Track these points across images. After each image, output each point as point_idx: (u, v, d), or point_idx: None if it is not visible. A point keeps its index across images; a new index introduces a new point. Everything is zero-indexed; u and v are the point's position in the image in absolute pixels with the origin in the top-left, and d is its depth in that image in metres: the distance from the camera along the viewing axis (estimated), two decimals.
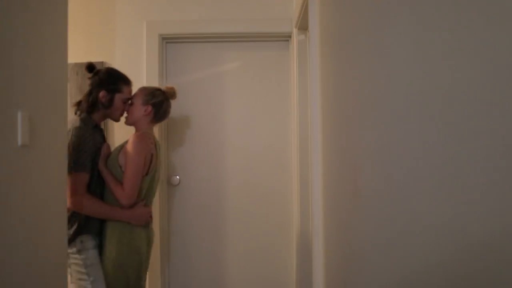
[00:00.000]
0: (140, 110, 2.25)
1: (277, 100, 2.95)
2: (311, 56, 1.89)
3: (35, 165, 1.42)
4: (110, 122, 2.82)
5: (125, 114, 2.29)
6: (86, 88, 2.78)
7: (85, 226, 2.09)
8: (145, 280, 2.26)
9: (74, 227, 2.07)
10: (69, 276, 2.07)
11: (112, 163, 2.15)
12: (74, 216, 2.08)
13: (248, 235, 2.93)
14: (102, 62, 2.79)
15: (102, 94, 2.17)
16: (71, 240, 2.06)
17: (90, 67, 2.24)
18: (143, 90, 2.30)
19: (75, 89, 2.78)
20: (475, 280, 0.61)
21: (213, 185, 2.92)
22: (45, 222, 1.49)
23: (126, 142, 2.20)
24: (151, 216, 2.25)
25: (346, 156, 1.33)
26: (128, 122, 2.28)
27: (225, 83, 2.95)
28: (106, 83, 2.19)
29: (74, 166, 2.01)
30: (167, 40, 2.90)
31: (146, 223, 2.20)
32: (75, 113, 2.21)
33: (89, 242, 2.10)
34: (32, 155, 1.40)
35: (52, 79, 1.56)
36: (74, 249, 2.08)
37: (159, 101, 2.29)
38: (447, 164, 0.68)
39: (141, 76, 2.81)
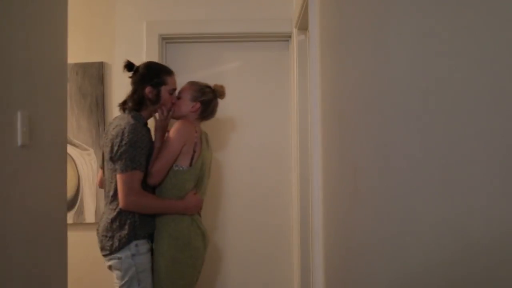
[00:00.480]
0: (188, 105, 2.21)
1: (277, 100, 2.95)
2: (311, 56, 1.89)
3: (35, 165, 1.42)
4: (104, 121, 2.83)
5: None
6: (87, 88, 2.80)
7: (140, 229, 2.01)
8: (197, 279, 2.19)
9: (126, 230, 1.99)
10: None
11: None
12: (125, 218, 2.00)
13: (247, 235, 2.93)
14: (102, 62, 2.79)
15: (148, 90, 2.10)
16: (125, 244, 1.98)
17: (129, 65, 2.18)
18: (193, 85, 2.25)
19: (75, 89, 2.78)
20: (475, 280, 0.61)
21: (212, 185, 2.92)
22: (45, 222, 1.49)
23: None
24: (200, 208, 2.19)
25: (346, 156, 1.33)
26: (174, 116, 2.23)
27: (225, 83, 2.95)
28: (150, 78, 2.11)
29: (130, 164, 1.94)
30: (167, 40, 2.90)
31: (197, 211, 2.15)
32: (124, 112, 2.15)
33: (144, 246, 2.02)
34: (31, 155, 1.40)
35: (52, 79, 1.56)
36: (127, 253, 1.99)
37: (208, 99, 2.25)
38: (447, 163, 0.68)
39: None
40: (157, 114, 2.21)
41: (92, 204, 2.78)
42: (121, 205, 1.96)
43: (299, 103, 2.58)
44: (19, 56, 1.35)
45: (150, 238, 2.07)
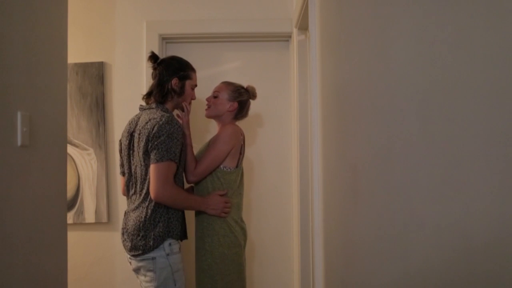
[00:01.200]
0: (225, 105, 2.24)
1: (277, 100, 2.94)
2: (311, 56, 1.89)
3: (35, 165, 1.42)
4: (104, 121, 2.82)
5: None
6: (87, 88, 2.80)
7: (174, 227, 1.99)
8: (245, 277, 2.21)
9: (161, 228, 1.95)
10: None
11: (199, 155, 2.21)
12: (159, 216, 1.97)
13: (248, 235, 2.92)
14: (102, 62, 2.79)
15: (174, 81, 2.09)
16: (160, 243, 1.94)
17: (154, 56, 2.15)
18: (229, 85, 2.29)
19: (75, 89, 2.78)
20: (475, 280, 0.61)
21: None
22: (44, 223, 1.49)
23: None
24: (229, 207, 2.18)
25: (346, 156, 1.33)
26: (210, 115, 2.27)
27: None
28: (177, 70, 2.12)
29: (166, 154, 1.90)
30: (167, 40, 2.90)
31: (225, 214, 2.14)
32: (147, 104, 2.14)
33: (176, 245, 1.99)
34: (31, 155, 1.40)
35: (52, 79, 1.56)
36: (161, 253, 1.94)
37: (244, 100, 2.29)
38: (447, 163, 0.68)
39: (141, 76, 2.81)
40: (179, 112, 2.24)
41: (92, 204, 2.77)
42: (153, 195, 1.93)
43: (299, 103, 2.58)
44: (19, 56, 1.34)
45: (181, 237, 2.06)
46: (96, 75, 2.78)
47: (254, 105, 2.97)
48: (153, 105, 2.08)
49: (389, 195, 0.94)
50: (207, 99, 2.28)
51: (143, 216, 1.97)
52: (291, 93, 2.90)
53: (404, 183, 0.86)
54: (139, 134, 2.00)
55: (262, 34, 2.85)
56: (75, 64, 2.77)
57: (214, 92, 2.29)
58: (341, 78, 1.39)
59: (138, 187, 2.04)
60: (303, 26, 2.48)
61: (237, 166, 2.19)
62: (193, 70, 2.18)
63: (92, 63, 2.78)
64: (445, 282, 0.70)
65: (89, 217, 2.77)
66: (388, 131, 0.95)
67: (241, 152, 2.22)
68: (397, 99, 0.89)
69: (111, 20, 2.84)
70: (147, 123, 1.97)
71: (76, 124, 2.78)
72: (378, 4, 1.02)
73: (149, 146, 1.94)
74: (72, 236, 2.70)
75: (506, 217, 0.53)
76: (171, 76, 2.10)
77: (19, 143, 1.32)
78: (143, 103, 2.18)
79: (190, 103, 2.20)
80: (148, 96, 2.14)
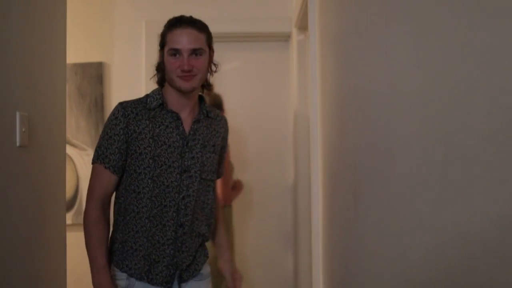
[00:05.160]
0: None
1: (276, 100, 2.94)
2: (311, 55, 1.89)
3: (34, 165, 1.42)
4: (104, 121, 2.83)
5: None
6: (86, 88, 2.80)
7: (126, 257, 1.41)
8: None
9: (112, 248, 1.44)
10: None
11: None
12: (113, 232, 1.46)
13: (247, 236, 2.92)
14: (101, 63, 2.78)
15: (159, 54, 1.47)
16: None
17: None
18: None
19: (74, 89, 2.78)
20: (475, 280, 0.61)
21: None
22: (44, 223, 1.49)
23: None
24: None
25: (346, 156, 1.33)
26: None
27: (225, 83, 2.95)
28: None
29: (95, 153, 1.41)
30: None
31: None
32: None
33: (122, 281, 1.44)
34: (30, 155, 1.39)
35: (51, 79, 1.55)
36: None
37: None
38: (447, 164, 0.68)
39: (140, 76, 2.80)
40: None
41: None
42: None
43: (299, 103, 2.58)
44: (18, 56, 1.34)
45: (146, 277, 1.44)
46: (95, 75, 2.78)
47: (254, 106, 2.97)
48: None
49: (389, 195, 0.93)
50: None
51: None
52: (290, 93, 2.90)
53: (404, 183, 0.85)
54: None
55: (261, 34, 2.85)
56: (74, 64, 2.76)
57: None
58: (341, 78, 1.39)
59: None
60: (303, 26, 2.48)
61: None
62: (169, 28, 1.44)
63: (91, 63, 2.78)
64: (445, 282, 0.70)
65: None
66: (388, 131, 0.94)
67: None
68: (397, 99, 0.89)
69: (110, 20, 2.83)
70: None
71: (75, 124, 2.77)
72: (378, 3, 1.02)
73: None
74: (71, 237, 2.69)
75: (506, 217, 0.53)
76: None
77: (18, 143, 1.31)
78: None
79: (178, 76, 1.36)
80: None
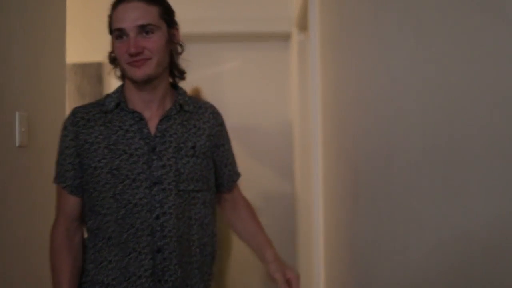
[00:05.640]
0: None
1: (276, 100, 2.94)
2: (311, 55, 1.89)
3: (33, 166, 1.42)
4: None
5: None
6: (85, 88, 2.79)
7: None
8: None
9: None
10: None
11: None
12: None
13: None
14: (100, 63, 2.78)
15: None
16: None
17: None
18: None
19: (74, 89, 2.78)
20: (475, 280, 0.61)
21: None
22: (43, 223, 1.49)
23: None
24: None
25: (346, 156, 1.32)
26: None
27: (225, 84, 2.95)
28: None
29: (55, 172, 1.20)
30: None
31: None
32: None
33: None
34: (30, 155, 1.39)
35: (50, 79, 1.55)
36: None
37: None
38: (447, 164, 0.68)
39: None
40: None
41: None
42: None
43: (299, 103, 2.58)
44: (17, 56, 1.34)
45: None
46: (94, 75, 2.78)
47: (254, 106, 2.96)
48: None
49: (390, 195, 0.93)
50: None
51: None
52: (291, 93, 2.90)
53: (404, 184, 0.85)
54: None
55: (261, 33, 2.85)
56: (74, 64, 2.76)
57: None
58: (341, 77, 1.39)
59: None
60: (303, 25, 2.48)
61: None
62: (113, 6, 1.18)
63: (90, 64, 2.78)
64: (445, 282, 0.70)
65: None
66: (388, 131, 0.94)
67: None
68: (397, 100, 0.89)
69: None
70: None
71: None
72: (379, 3, 1.02)
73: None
74: None
75: (506, 217, 0.53)
76: None
77: (17, 143, 1.31)
78: None
79: (127, 63, 1.10)
80: None
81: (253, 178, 2.92)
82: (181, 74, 1.25)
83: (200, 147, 1.18)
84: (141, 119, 1.13)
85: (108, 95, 1.18)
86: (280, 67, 2.94)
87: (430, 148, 0.74)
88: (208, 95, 2.94)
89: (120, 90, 1.17)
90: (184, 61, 1.27)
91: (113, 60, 1.19)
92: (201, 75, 2.90)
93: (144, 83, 1.11)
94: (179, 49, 1.22)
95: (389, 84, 0.93)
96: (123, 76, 1.17)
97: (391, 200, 0.93)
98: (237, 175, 1.39)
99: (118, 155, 1.10)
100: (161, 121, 1.14)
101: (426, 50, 0.76)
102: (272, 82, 2.94)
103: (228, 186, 1.35)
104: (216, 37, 2.88)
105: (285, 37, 2.89)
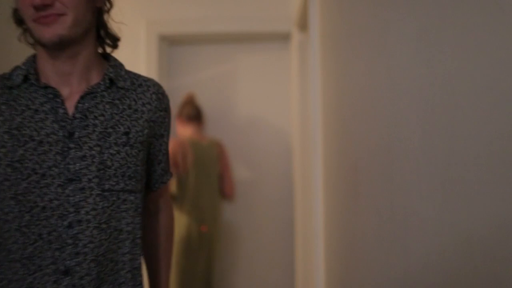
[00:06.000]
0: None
1: (276, 100, 2.94)
2: (311, 55, 1.89)
3: None
4: None
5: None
6: None
7: None
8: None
9: None
10: None
11: None
12: None
13: (248, 236, 2.92)
14: None
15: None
16: None
17: None
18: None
19: None
20: (475, 280, 0.61)
21: None
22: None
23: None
24: None
25: (346, 156, 1.33)
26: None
27: (224, 83, 2.95)
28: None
29: None
30: (167, 40, 2.89)
31: None
32: None
33: None
34: None
35: None
36: None
37: None
38: (447, 163, 0.68)
39: None
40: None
41: None
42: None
43: (299, 103, 2.58)
44: (18, 56, 1.34)
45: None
46: None
47: (254, 106, 2.97)
48: None
49: (390, 195, 0.93)
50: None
51: None
52: (291, 93, 2.90)
53: (404, 183, 0.85)
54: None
55: (261, 33, 2.85)
56: None
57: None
58: (341, 77, 1.39)
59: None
60: (303, 25, 2.48)
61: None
62: None
63: None
64: (445, 282, 0.70)
65: None
66: (389, 131, 0.94)
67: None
68: (398, 99, 0.89)
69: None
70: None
71: None
72: (379, 2, 1.02)
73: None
74: None
75: (506, 217, 0.53)
76: None
77: None
78: None
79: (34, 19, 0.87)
80: None
81: (252, 177, 2.92)
82: (113, 41, 1.00)
83: (135, 133, 0.91)
84: (55, 96, 0.87)
85: (17, 67, 0.93)
86: (280, 67, 2.94)
87: (431, 147, 0.74)
88: (207, 95, 2.94)
89: (32, 60, 0.92)
90: (117, 24, 1.00)
91: (20, 20, 0.93)
92: (200, 75, 2.90)
93: (58, 49, 0.85)
94: (108, 5, 0.99)
95: (390, 84, 0.93)
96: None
97: (391, 200, 0.93)
98: (169, 175, 1.07)
99: (22, 143, 0.84)
100: (82, 98, 0.87)
101: (427, 49, 0.76)
102: (272, 82, 2.94)
103: (155, 188, 1.05)
104: (216, 37, 2.88)
105: (285, 37, 2.89)
